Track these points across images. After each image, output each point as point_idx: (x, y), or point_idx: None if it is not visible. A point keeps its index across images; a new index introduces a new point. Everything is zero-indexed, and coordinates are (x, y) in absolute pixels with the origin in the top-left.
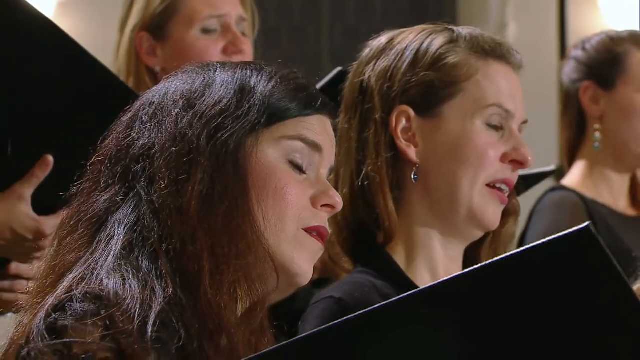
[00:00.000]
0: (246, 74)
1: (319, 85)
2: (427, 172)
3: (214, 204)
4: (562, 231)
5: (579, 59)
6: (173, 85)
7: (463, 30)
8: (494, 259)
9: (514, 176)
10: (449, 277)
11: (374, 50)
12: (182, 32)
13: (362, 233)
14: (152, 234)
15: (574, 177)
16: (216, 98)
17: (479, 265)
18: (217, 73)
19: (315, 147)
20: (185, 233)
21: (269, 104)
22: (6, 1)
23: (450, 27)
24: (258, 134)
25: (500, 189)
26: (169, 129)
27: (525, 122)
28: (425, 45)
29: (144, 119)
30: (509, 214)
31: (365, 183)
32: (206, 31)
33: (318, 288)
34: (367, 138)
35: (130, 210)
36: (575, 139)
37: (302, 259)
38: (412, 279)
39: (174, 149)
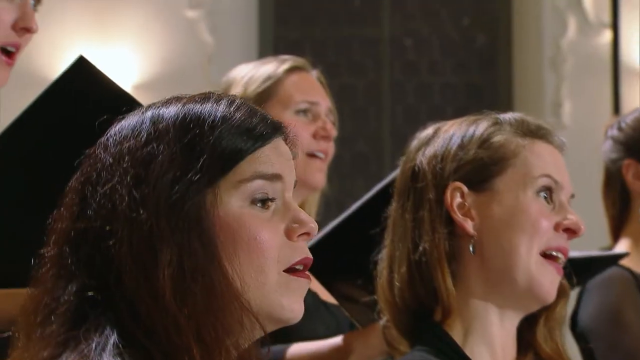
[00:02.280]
0: (188, 126)
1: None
2: (483, 243)
3: (188, 284)
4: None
5: (616, 138)
6: (119, 149)
7: (506, 115)
8: None
9: (567, 245)
10: None
11: (421, 140)
12: (277, 112)
13: (420, 311)
14: (137, 332)
15: None
16: (165, 166)
17: None
18: (158, 130)
19: (274, 177)
20: (168, 324)
21: (220, 152)
22: (90, 77)
23: (492, 113)
24: (215, 187)
25: (555, 258)
26: (124, 213)
27: (572, 196)
28: (471, 130)
29: (96, 195)
30: (559, 295)
31: (423, 259)
32: (299, 113)
33: None
34: (422, 217)
35: (107, 305)
36: (620, 216)
37: (292, 303)
38: (470, 355)
39: (134, 235)
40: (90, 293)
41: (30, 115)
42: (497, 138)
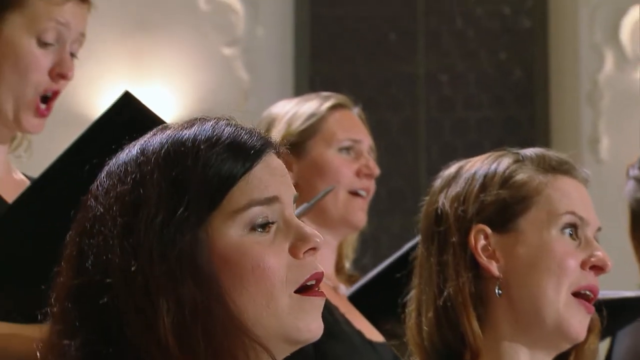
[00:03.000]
0: (172, 161)
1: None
2: (510, 285)
3: (191, 329)
4: None
5: (638, 178)
6: (108, 197)
7: (527, 151)
8: None
9: (596, 282)
10: None
11: (444, 180)
12: (320, 150)
13: (449, 355)
14: None
15: None
16: (152, 211)
17: None
18: (143, 173)
19: (271, 200)
20: None
21: (207, 183)
22: (136, 111)
23: (514, 150)
24: (207, 222)
25: (586, 296)
26: (119, 265)
27: (599, 229)
28: (492, 168)
29: (92, 248)
30: (589, 330)
31: (448, 304)
32: (342, 151)
33: None
34: (446, 260)
35: (113, 359)
36: None
37: (308, 324)
38: None
39: (130, 287)
40: (95, 347)
41: (76, 150)
42: (519, 176)
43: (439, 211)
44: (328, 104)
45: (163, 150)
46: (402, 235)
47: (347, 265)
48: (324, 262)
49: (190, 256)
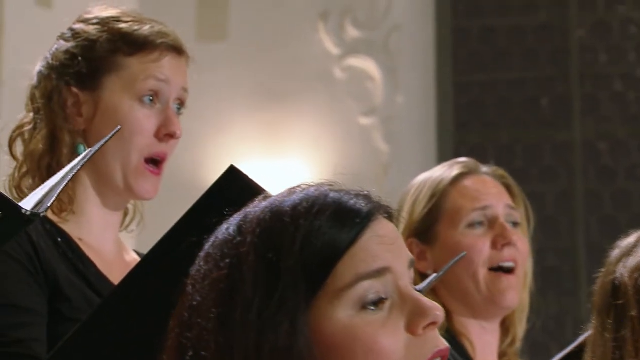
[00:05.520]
0: (268, 239)
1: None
2: None
3: None
4: None
5: None
6: (204, 285)
7: None
8: None
9: None
10: None
11: (623, 249)
12: (449, 232)
13: None
14: None
15: None
16: (247, 300)
17: None
18: (239, 255)
19: (380, 272)
20: None
21: (306, 263)
22: (243, 187)
23: None
24: (311, 306)
25: None
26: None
27: None
28: None
29: (189, 341)
30: None
31: None
32: (472, 226)
33: None
34: (624, 337)
35: None
36: None
37: None
38: None
39: None
40: None
41: (179, 229)
42: None
43: (617, 283)
44: (449, 176)
45: (259, 229)
46: (559, 319)
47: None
48: (490, 347)
49: (289, 349)
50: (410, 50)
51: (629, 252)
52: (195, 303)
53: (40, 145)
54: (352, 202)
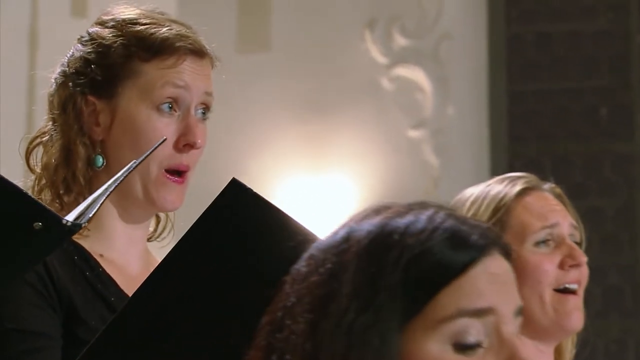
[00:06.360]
0: (374, 253)
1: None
2: None
3: None
4: None
5: None
6: (301, 286)
7: None
8: None
9: None
10: None
11: None
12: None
13: None
14: None
15: None
16: (341, 311)
17: None
18: (342, 263)
19: (482, 312)
20: None
21: (409, 284)
22: (245, 201)
23: None
24: (405, 329)
25: None
26: None
27: None
28: None
29: (278, 342)
30: None
31: None
32: (540, 245)
33: None
34: None
35: None
36: None
37: None
38: None
39: None
40: None
41: (183, 246)
42: None
43: None
44: (513, 191)
45: (367, 241)
46: (622, 340)
47: None
48: None
49: None
50: (461, 58)
51: None
52: (289, 304)
53: (54, 159)
54: (469, 230)
